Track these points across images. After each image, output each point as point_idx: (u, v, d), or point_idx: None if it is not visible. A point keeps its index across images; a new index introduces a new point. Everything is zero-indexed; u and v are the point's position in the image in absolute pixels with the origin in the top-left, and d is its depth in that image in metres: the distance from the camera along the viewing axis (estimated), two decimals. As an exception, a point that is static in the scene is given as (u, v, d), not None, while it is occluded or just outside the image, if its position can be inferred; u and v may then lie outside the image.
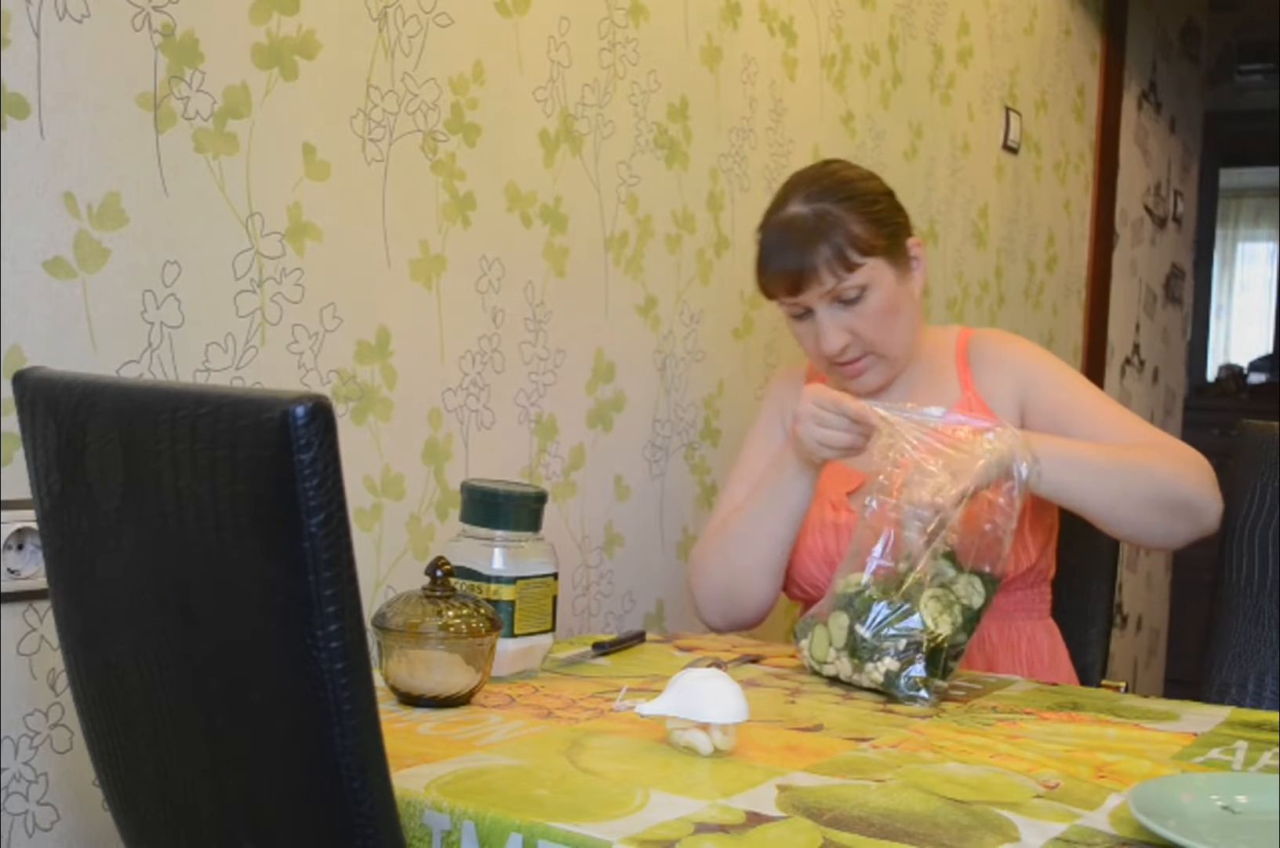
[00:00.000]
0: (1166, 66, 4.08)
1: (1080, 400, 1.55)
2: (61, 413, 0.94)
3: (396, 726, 1.16)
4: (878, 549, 1.35)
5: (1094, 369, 3.53)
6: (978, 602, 1.33)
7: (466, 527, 1.37)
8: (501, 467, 1.67)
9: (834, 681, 1.37)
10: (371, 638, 1.07)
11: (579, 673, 1.40)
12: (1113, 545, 1.75)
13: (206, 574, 0.85)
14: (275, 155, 1.38)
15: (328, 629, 0.79)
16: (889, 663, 1.29)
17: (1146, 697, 1.37)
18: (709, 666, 1.26)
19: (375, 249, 1.49)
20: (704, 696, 1.08)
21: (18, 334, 1.18)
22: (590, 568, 1.83)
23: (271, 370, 1.39)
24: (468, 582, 1.34)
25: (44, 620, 1.21)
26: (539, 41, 1.68)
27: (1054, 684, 1.43)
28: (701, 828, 0.90)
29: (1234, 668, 1.61)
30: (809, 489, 1.52)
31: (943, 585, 1.32)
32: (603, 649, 1.49)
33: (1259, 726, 1.24)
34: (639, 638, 1.56)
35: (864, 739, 1.15)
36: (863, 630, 1.31)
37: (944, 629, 1.30)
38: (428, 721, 1.18)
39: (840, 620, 1.34)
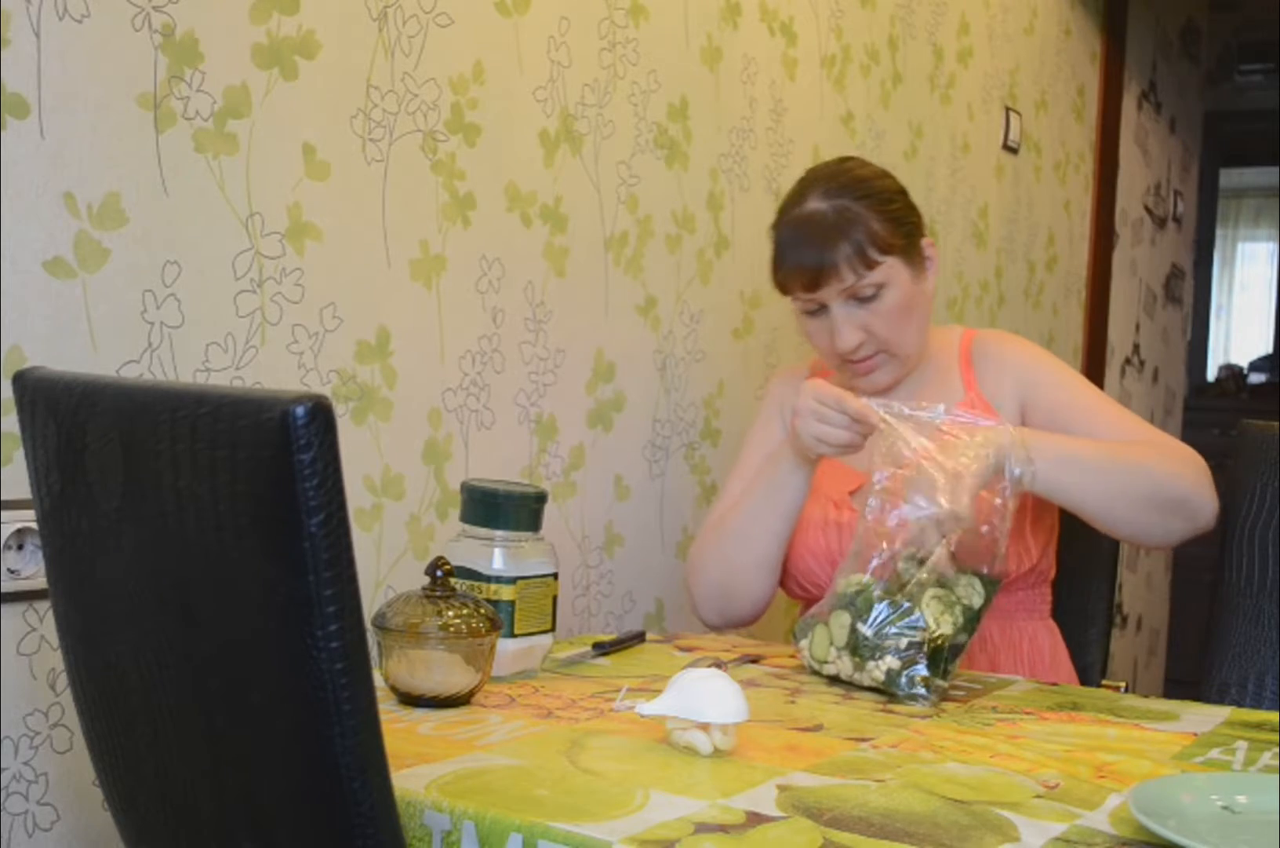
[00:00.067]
0: (1166, 66, 4.08)
1: (1080, 400, 1.55)
2: (61, 413, 0.94)
3: (396, 726, 1.16)
4: (881, 549, 1.35)
5: (1094, 369, 3.53)
6: (978, 602, 1.33)
7: (466, 527, 1.37)
8: (501, 467, 1.67)
9: (834, 680, 1.37)
10: (371, 638, 1.07)
11: (579, 673, 1.40)
12: (1113, 546, 1.75)
13: (206, 574, 0.85)
14: (275, 155, 1.38)
15: (328, 629, 0.79)
16: (890, 662, 1.29)
17: (1146, 697, 1.37)
18: (709, 666, 1.26)
19: (375, 249, 1.49)
20: (704, 696, 1.08)
21: (18, 334, 1.18)
22: (590, 568, 1.83)
23: (271, 370, 1.39)
24: (468, 582, 1.34)
25: (44, 620, 1.21)
26: (539, 41, 1.68)
27: (1054, 684, 1.43)
28: (701, 828, 0.90)
29: (1234, 668, 1.61)
30: (805, 485, 1.52)
31: (944, 586, 1.32)
32: (603, 649, 1.49)
33: (1259, 726, 1.24)
34: (639, 638, 1.56)
35: (864, 739, 1.15)
36: (865, 629, 1.31)
37: (945, 629, 1.30)
38: (428, 721, 1.18)
39: (842, 619, 1.34)
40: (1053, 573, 1.65)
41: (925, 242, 1.58)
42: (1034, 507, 1.55)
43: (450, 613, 1.21)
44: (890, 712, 1.26)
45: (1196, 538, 1.48)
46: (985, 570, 1.35)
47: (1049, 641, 1.62)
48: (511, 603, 1.34)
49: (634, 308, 1.87)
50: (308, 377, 1.42)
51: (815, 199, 1.53)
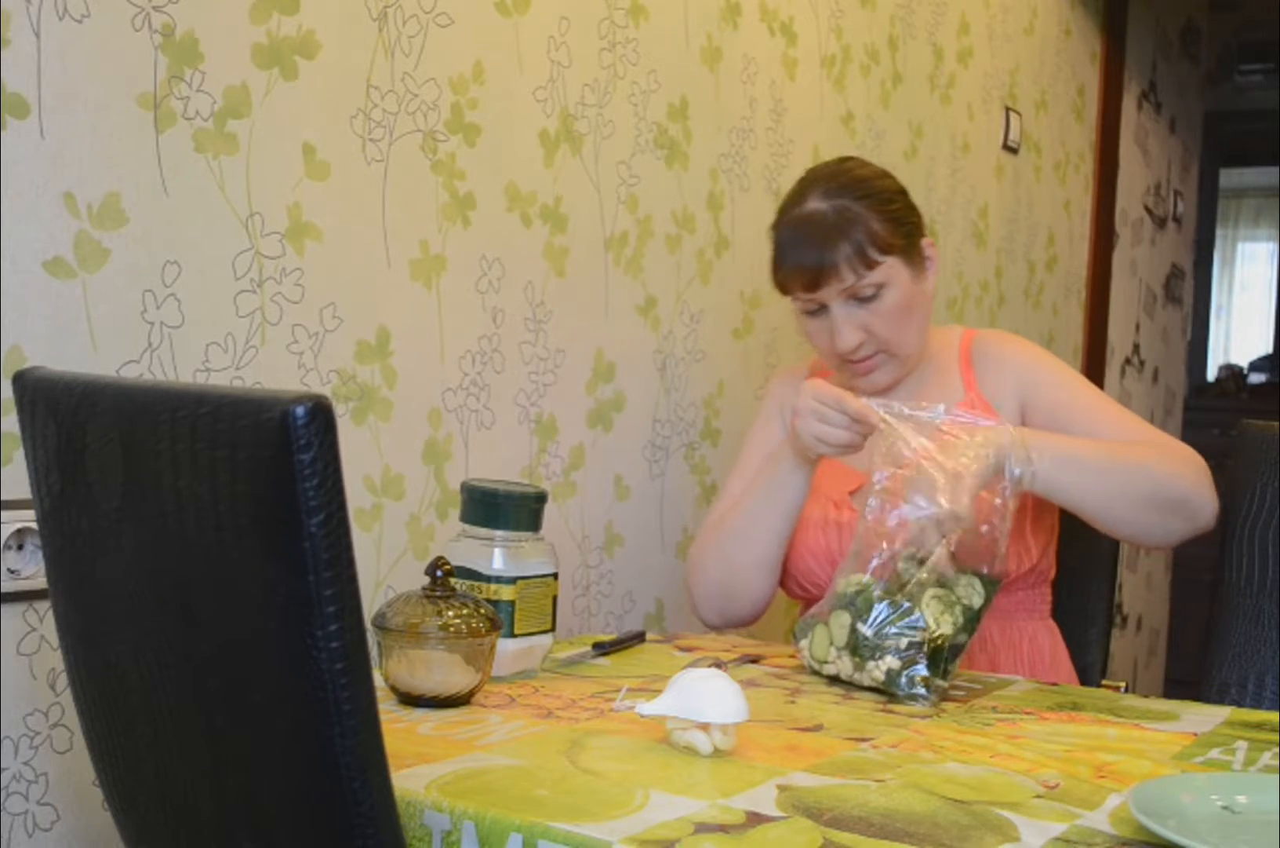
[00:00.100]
0: (1166, 66, 4.08)
1: (1080, 400, 1.55)
2: (61, 413, 0.94)
3: (396, 726, 1.16)
4: (881, 549, 1.35)
5: (1094, 369, 3.53)
6: (978, 602, 1.33)
7: (466, 527, 1.37)
8: (501, 467, 1.67)
9: (834, 680, 1.37)
10: (371, 638, 1.07)
11: (579, 673, 1.40)
12: (1113, 546, 1.75)
13: (206, 574, 0.85)
14: (275, 155, 1.38)
15: (328, 629, 0.79)
16: (890, 662, 1.29)
17: (1146, 697, 1.37)
18: (709, 666, 1.26)
19: (375, 249, 1.49)
20: (704, 696, 1.08)
21: (18, 334, 1.18)
22: (590, 568, 1.83)
23: (271, 370, 1.39)
24: (468, 582, 1.34)
25: (44, 620, 1.21)
26: (539, 41, 1.68)
27: (1054, 684, 1.43)
28: (701, 828, 0.90)
29: (1234, 668, 1.61)
30: (805, 485, 1.52)
31: (944, 586, 1.32)
32: (603, 649, 1.49)
33: (1259, 726, 1.24)
34: (639, 638, 1.56)
35: (864, 739, 1.15)
36: (865, 629, 1.31)
37: (945, 629, 1.30)
38: (428, 721, 1.18)
39: (842, 619, 1.34)
40: (1053, 573, 1.65)
41: (925, 241, 1.58)
42: (1034, 507, 1.55)
43: (450, 613, 1.21)
44: (890, 712, 1.26)
45: (1197, 538, 1.48)
46: (985, 571, 1.35)
47: (1049, 641, 1.62)
48: (511, 603, 1.34)
49: (634, 308, 1.87)
50: (308, 377, 1.42)
51: (815, 199, 1.53)
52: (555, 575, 1.39)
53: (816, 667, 1.38)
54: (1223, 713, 1.30)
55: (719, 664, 1.39)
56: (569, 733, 1.14)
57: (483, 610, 1.24)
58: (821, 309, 1.54)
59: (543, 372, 1.72)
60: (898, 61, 2.47)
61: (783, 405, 1.68)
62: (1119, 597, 3.81)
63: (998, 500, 1.34)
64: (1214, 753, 1.14)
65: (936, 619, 1.30)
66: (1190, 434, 3.92)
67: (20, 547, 1.20)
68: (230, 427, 0.80)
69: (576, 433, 1.79)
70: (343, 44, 1.44)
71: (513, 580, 1.34)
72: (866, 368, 1.56)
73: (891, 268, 1.52)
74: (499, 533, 1.35)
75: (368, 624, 1.05)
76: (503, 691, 1.30)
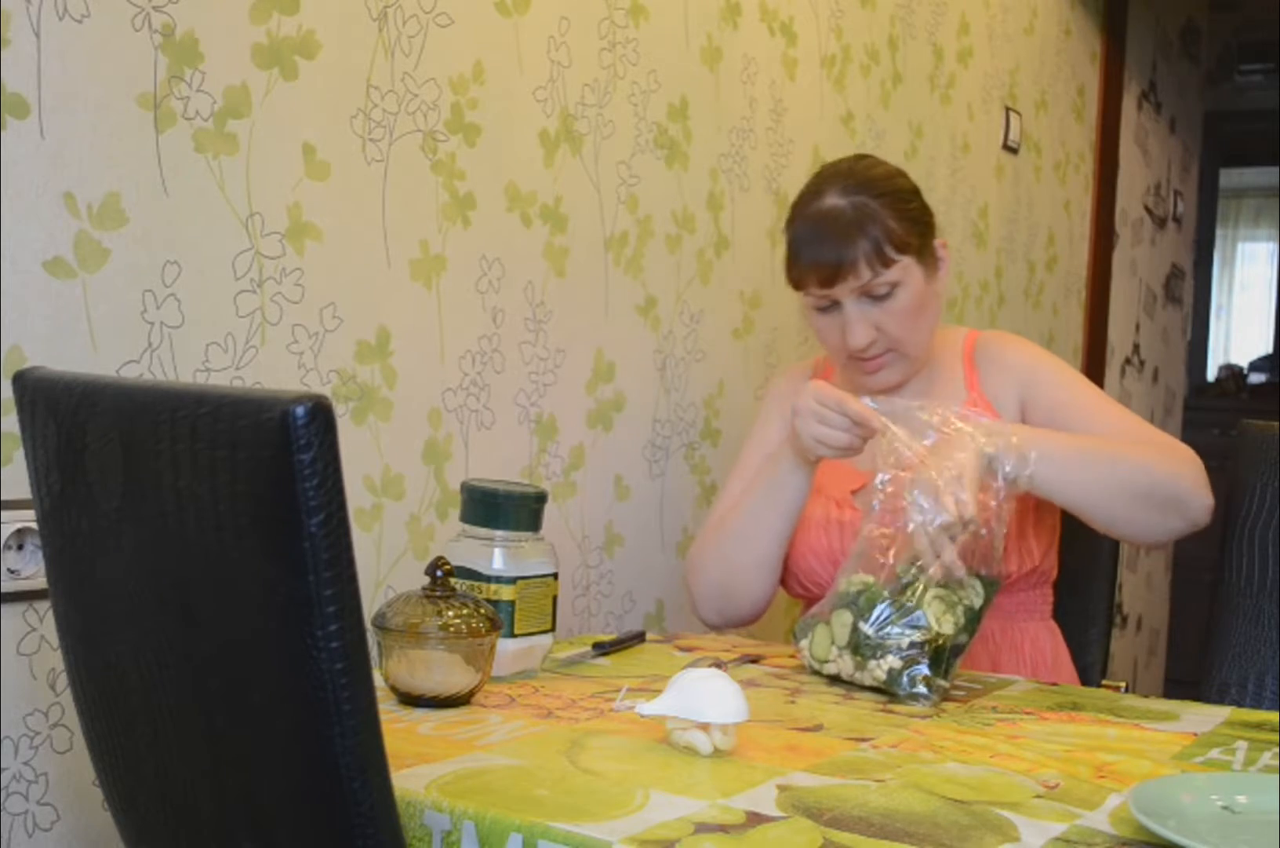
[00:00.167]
0: (1166, 66, 4.08)
1: (1079, 399, 1.55)
2: (61, 413, 0.94)
3: (396, 726, 1.16)
4: (883, 550, 1.35)
5: (1094, 369, 3.53)
6: (978, 603, 1.33)
7: (466, 527, 1.37)
8: (501, 467, 1.67)
9: (834, 680, 1.37)
10: (371, 638, 1.07)
11: (579, 673, 1.40)
12: (1113, 547, 1.75)
13: (206, 574, 0.85)
14: (275, 155, 1.38)
15: (328, 629, 0.79)
16: (892, 661, 1.29)
17: (1146, 697, 1.37)
18: (709, 666, 1.26)
19: (375, 249, 1.49)
20: (704, 696, 1.08)
21: (18, 334, 1.18)
22: (590, 568, 1.83)
23: (271, 370, 1.39)
24: (468, 582, 1.34)
25: (44, 620, 1.21)
26: (539, 41, 1.68)
27: (1054, 684, 1.43)
28: (701, 828, 0.90)
29: (1234, 668, 1.61)
30: (805, 485, 1.52)
31: (945, 586, 1.32)
32: (603, 649, 1.49)
33: (1259, 726, 1.24)
34: (639, 638, 1.56)
35: (864, 739, 1.15)
36: (866, 628, 1.31)
37: (947, 629, 1.30)
38: (428, 721, 1.18)
39: (843, 618, 1.34)
40: (1054, 574, 1.65)
41: (938, 242, 1.59)
42: (1035, 508, 1.55)
43: (450, 613, 1.21)
44: (890, 712, 1.26)
45: (1197, 539, 1.49)
46: (985, 571, 1.35)
47: (1050, 641, 1.62)
48: (511, 603, 1.34)
49: (634, 308, 1.87)
50: (308, 377, 1.42)
51: (833, 195, 1.53)
52: (555, 575, 1.39)
53: (817, 666, 1.38)
54: (1223, 713, 1.30)
55: (719, 664, 1.39)
56: (569, 733, 1.14)
57: (483, 610, 1.24)
58: (834, 306, 1.54)
59: (543, 372, 1.72)
60: (898, 61, 2.47)
61: (784, 405, 1.67)
62: (1119, 597, 3.81)
63: (993, 502, 1.34)
64: (1214, 753, 1.14)
65: (939, 619, 1.30)
66: (1190, 434, 3.92)
67: (20, 547, 1.20)
68: (230, 427, 0.80)
69: (576, 433, 1.79)
70: (343, 44, 1.44)
71: (513, 580, 1.34)
72: (875, 366, 1.56)
73: (906, 267, 1.52)
74: (499, 533, 1.35)
75: (368, 624, 1.05)
76: (503, 691, 1.30)
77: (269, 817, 0.89)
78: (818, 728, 1.19)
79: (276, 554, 0.80)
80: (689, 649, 1.54)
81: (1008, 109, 2.94)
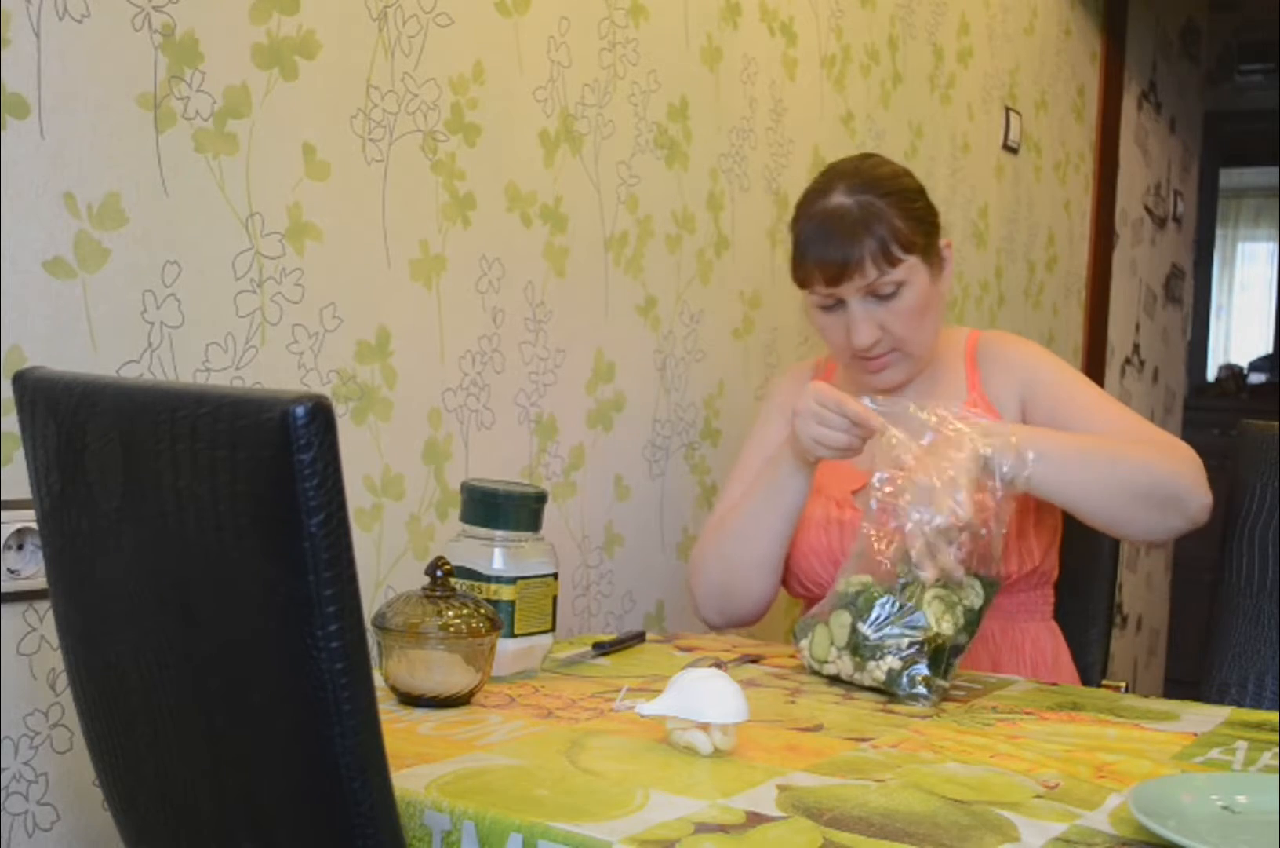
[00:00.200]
0: (1166, 66, 4.08)
1: (1079, 398, 1.55)
2: (61, 413, 0.94)
3: (396, 726, 1.16)
4: (882, 551, 1.35)
5: (1094, 369, 3.53)
6: (978, 603, 1.33)
7: (466, 527, 1.37)
8: (501, 467, 1.67)
9: (834, 680, 1.37)
10: (371, 638, 1.07)
11: (579, 673, 1.40)
12: (1113, 547, 1.75)
13: (206, 574, 0.85)
14: (275, 155, 1.38)
15: (328, 629, 0.79)
16: (891, 662, 1.29)
17: (1146, 697, 1.37)
18: (709, 666, 1.26)
19: (375, 249, 1.49)
20: (704, 696, 1.07)
21: (18, 334, 1.18)
22: (590, 568, 1.83)
23: (271, 370, 1.39)
24: (468, 582, 1.34)
25: (44, 620, 1.21)
26: (539, 41, 1.68)
27: (1054, 684, 1.43)
28: (701, 828, 0.90)
29: (1234, 668, 1.61)
30: (805, 486, 1.52)
31: (945, 586, 1.32)
32: (603, 649, 1.49)
33: (1259, 726, 1.24)
34: (639, 638, 1.56)
35: (864, 739, 1.15)
36: (865, 629, 1.31)
37: (947, 629, 1.30)
38: (428, 721, 1.18)
39: (842, 619, 1.34)
40: (1055, 574, 1.65)
41: (943, 242, 1.59)
42: (1036, 508, 1.55)
43: (450, 613, 1.21)
44: (890, 712, 1.26)
45: (1197, 539, 1.49)
46: (984, 572, 1.35)
47: (1051, 642, 1.62)
48: (511, 603, 1.34)
49: (634, 308, 1.87)
50: (308, 377, 1.42)
51: (840, 194, 1.53)
52: (555, 575, 1.39)
53: (817, 667, 1.38)
54: (1223, 713, 1.30)
55: (719, 664, 1.39)
56: (569, 733, 1.14)
57: (483, 610, 1.24)
58: (839, 305, 1.54)
59: (543, 372, 1.72)
60: (898, 61, 2.47)
61: (785, 405, 1.67)
62: (1119, 597, 3.81)
63: (991, 503, 1.34)
64: (1214, 753, 1.14)
65: (938, 619, 1.30)
66: (1190, 434, 3.92)
67: (20, 547, 1.20)
68: (230, 427, 0.80)
69: (576, 433, 1.79)
70: (343, 44, 1.44)
71: (513, 580, 1.34)
72: (879, 365, 1.56)
73: (912, 267, 1.52)
74: (499, 533, 1.35)
75: (368, 624, 1.05)
76: (503, 691, 1.30)
77: (269, 817, 0.89)
78: (818, 728, 1.19)
79: (276, 554, 0.80)
80: (689, 649, 1.54)
81: (1008, 109, 2.94)
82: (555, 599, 1.39)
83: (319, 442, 0.77)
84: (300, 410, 0.77)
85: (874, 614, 1.31)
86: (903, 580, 1.32)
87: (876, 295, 1.51)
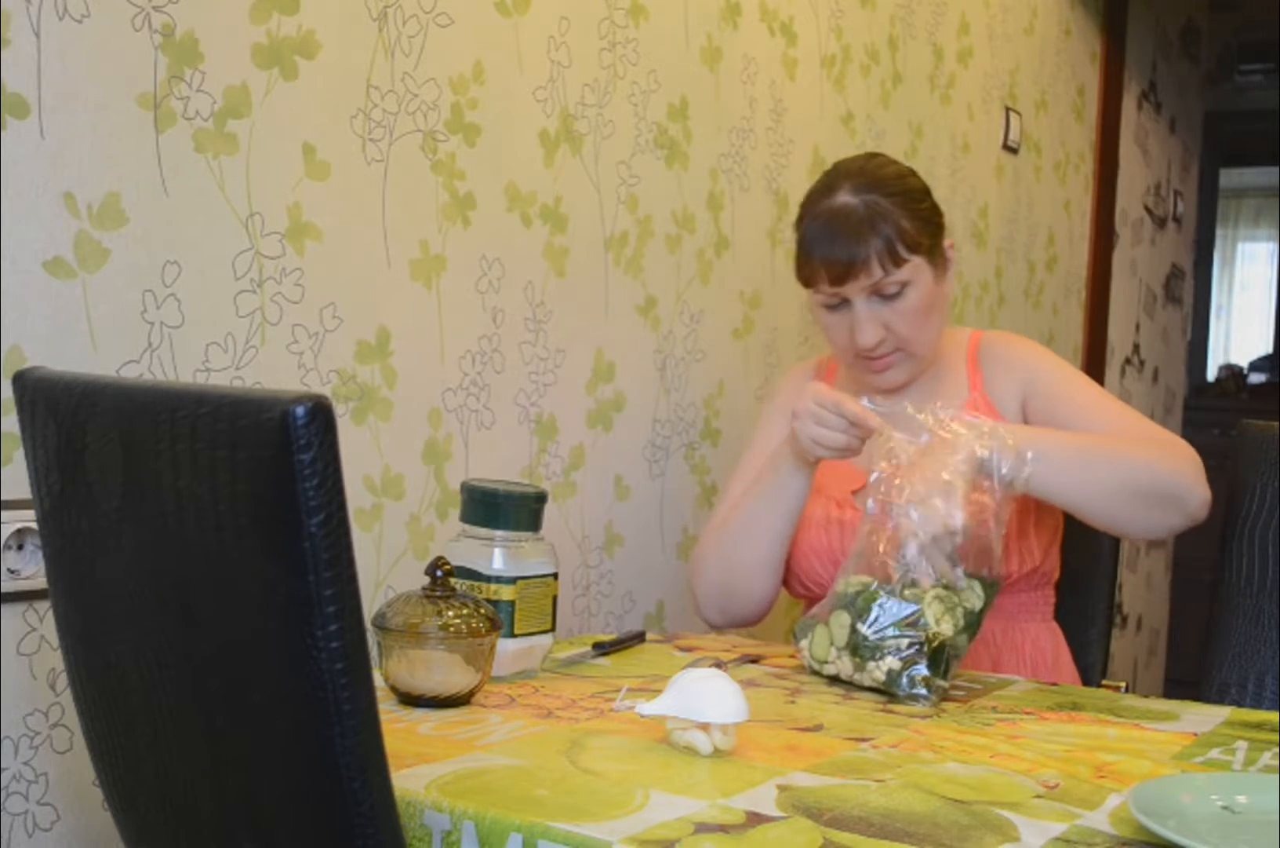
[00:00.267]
0: (1166, 66, 4.08)
1: (1079, 397, 1.55)
2: (61, 413, 0.94)
3: (396, 726, 1.16)
4: (881, 551, 1.35)
5: (1094, 369, 3.53)
6: (978, 605, 1.33)
7: (466, 527, 1.37)
8: (501, 467, 1.67)
9: (834, 680, 1.37)
10: (371, 638, 1.07)
11: (579, 673, 1.40)
12: (1113, 547, 1.75)
13: (206, 574, 0.85)
14: (275, 155, 1.38)
15: (328, 629, 0.79)
16: (891, 662, 1.29)
17: (1146, 697, 1.37)
18: (709, 666, 1.26)
19: (375, 249, 1.49)
20: (704, 696, 1.07)
21: (18, 334, 1.18)
22: (590, 568, 1.83)
23: (271, 370, 1.39)
24: (468, 582, 1.34)
25: (44, 620, 1.21)
26: (539, 41, 1.68)
27: (1054, 684, 1.43)
28: (701, 828, 0.90)
29: (1234, 668, 1.61)
30: (805, 486, 1.52)
31: (946, 587, 1.32)
32: (603, 649, 1.49)
33: (1259, 726, 1.24)
34: (639, 638, 1.56)
35: (864, 739, 1.15)
36: (865, 629, 1.31)
37: (947, 630, 1.30)
38: (428, 721, 1.18)
39: (842, 619, 1.34)
40: (1056, 575, 1.64)
41: (947, 242, 1.59)
42: (1036, 508, 1.55)
43: (450, 613, 1.21)
44: (890, 712, 1.26)
45: (1197, 539, 1.49)
46: (984, 573, 1.35)
47: (1051, 642, 1.62)
48: (511, 603, 1.34)
49: (634, 308, 1.87)
50: (308, 377, 1.42)
51: (845, 193, 1.53)
52: (555, 575, 1.39)
53: (816, 667, 1.38)
54: (1223, 713, 1.30)
55: (719, 664, 1.39)
56: (569, 733, 1.14)
57: (483, 610, 1.24)
58: (843, 304, 1.54)
59: (543, 372, 1.72)
60: (898, 61, 2.47)
61: (786, 406, 1.67)
62: (1119, 597, 3.81)
63: (990, 504, 1.34)
64: (1214, 753, 1.14)
65: (938, 620, 1.30)
66: (1190, 434, 3.91)
67: (20, 547, 1.20)
68: (230, 427, 0.80)
69: (576, 433, 1.79)
70: (343, 44, 1.44)
71: (513, 580, 1.34)
72: (883, 365, 1.56)
73: (917, 267, 1.52)
74: (499, 533, 1.35)
75: (368, 624, 1.05)
76: (503, 691, 1.30)
77: (269, 817, 0.89)
78: (818, 728, 1.19)
79: (276, 554, 0.80)
80: (689, 649, 1.54)
81: (1008, 109, 2.94)
82: (555, 599, 1.39)
83: (319, 442, 0.77)
84: (300, 410, 0.77)
85: (874, 614, 1.31)
86: (902, 582, 1.32)
87: (881, 295, 1.52)
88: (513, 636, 1.34)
